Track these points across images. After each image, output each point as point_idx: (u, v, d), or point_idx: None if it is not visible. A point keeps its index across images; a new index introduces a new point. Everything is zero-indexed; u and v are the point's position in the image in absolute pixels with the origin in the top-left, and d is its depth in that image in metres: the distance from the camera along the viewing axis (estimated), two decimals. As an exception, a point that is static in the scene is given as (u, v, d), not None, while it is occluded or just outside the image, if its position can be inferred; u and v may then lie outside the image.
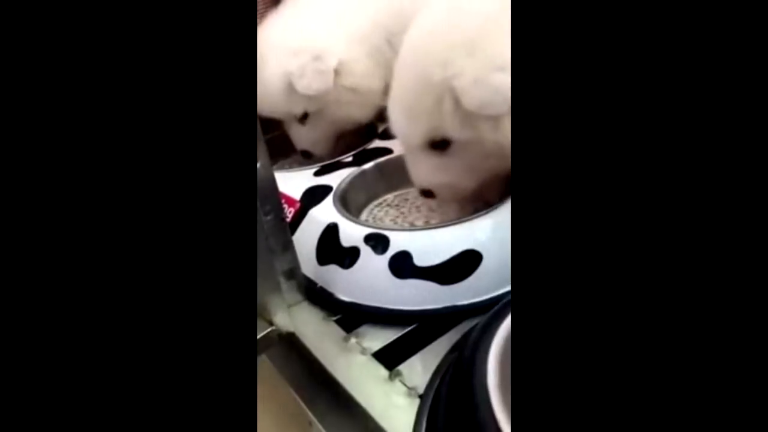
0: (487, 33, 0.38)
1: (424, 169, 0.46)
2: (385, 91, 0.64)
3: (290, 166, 0.69)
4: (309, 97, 0.58)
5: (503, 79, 0.37)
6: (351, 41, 0.60)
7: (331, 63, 0.57)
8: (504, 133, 0.39)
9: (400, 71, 0.44)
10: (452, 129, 0.41)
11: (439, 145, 0.43)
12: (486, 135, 0.40)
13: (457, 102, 0.39)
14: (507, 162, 0.42)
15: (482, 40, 0.38)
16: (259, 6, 0.81)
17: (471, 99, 0.38)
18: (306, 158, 0.67)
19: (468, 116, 0.39)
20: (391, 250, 0.40)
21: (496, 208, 0.42)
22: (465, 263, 0.39)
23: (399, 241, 0.40)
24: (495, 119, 0.39)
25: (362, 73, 0.60)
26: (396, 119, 0.45)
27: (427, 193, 0.47)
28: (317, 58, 0.56)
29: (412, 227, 0.48)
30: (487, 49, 0.38)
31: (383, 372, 0.36)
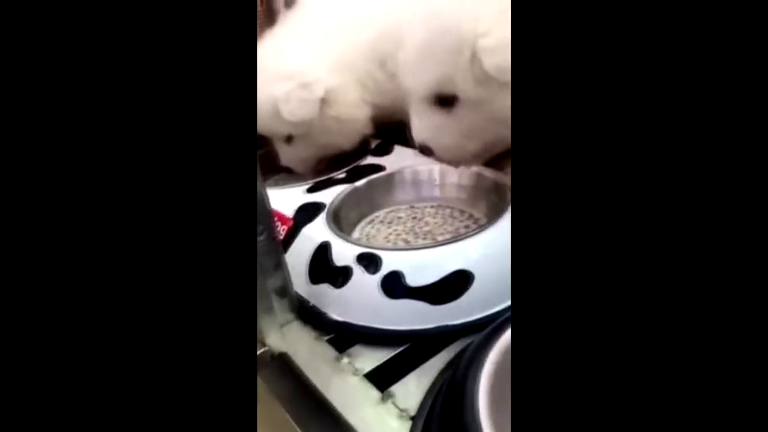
0: None
1: (427, 124, 0.46)
2: (373, 119, 0.66)
3: (285, 182, 0.69)
4: (293, 122, 0.59)
5: None
6: (341, 67, 0.61)
7: (318, 92, 0.58)
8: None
9: (423, 16, 0.44)
10: (462, 84, 0.41)
11: (446, 101, 0.43)
12: (494, 98, 0.41)
13: (474, 58, 0.39)
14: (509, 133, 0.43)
15: None
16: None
17: (492, 61, 0.39)
18: (287, 173, 0.69)
19: (481, 75, 0.40)
20: (383, 270, 0.40)
21: (487, 227, 0.42)
22: (456, 283, 0.40)
23: (391, 260, 0.40)
24: (507, 85, 0.39)
25: (349, 103, 0.62)
26: (407, 66, 0.45)
27: (425, 150, 0.47)
28: (305, 86, 0.58)
29: (404, 247, 0.48)
30: None
31: (375, 393, 0.36)
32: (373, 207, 0.56)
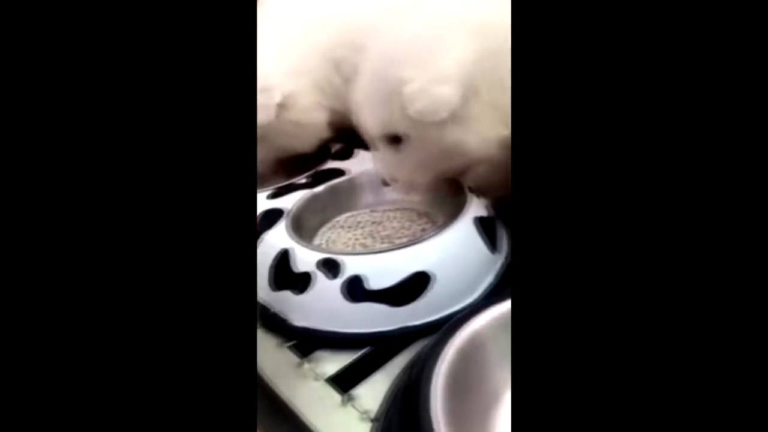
0: (439, 45, 0.41)
1: (383, 160, 0.50)
2: (331, 124, 0.67)
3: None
4: None
5: (444, 91, 0.41)
6: (298, 72, 0.61)
7: (276, 98, 0.59)
8: (448, 138, 0.43)
9: (364, 66, 0.47)
10: (400, 125, 0.45)
11: (395, 139, 0.47)
12: (431, 137, 0.44)
13: (404, 104, 0.42)
14: (454, 164, 0.46)
15: (434, 52, 0.42)
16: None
17: (414, 106, 0.42)
18: None
19: (414, 118, 0.43)
20: (344, 275, 0.41)
21: (444, 229, 0.43)
22: (416, 284, 0.40)
23: (351, 265, 0.41)
24: (439, 124, 0.43)
25: (306, 108, 0.62)
26: (356, 111, 0.49)
27: (386, 182, 0.52)
28: (262, 91, 0.58)
29: (364, 251, 0.49)
30: (436, 62, 0.41)
31: (337, 397, 0.36)
32: (334, 212, 0.56)
